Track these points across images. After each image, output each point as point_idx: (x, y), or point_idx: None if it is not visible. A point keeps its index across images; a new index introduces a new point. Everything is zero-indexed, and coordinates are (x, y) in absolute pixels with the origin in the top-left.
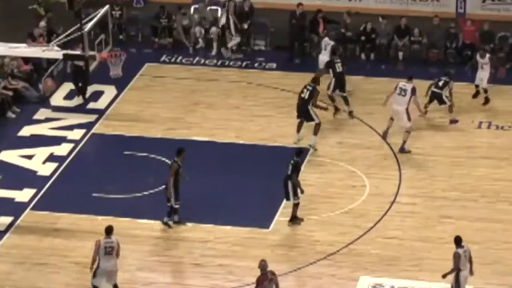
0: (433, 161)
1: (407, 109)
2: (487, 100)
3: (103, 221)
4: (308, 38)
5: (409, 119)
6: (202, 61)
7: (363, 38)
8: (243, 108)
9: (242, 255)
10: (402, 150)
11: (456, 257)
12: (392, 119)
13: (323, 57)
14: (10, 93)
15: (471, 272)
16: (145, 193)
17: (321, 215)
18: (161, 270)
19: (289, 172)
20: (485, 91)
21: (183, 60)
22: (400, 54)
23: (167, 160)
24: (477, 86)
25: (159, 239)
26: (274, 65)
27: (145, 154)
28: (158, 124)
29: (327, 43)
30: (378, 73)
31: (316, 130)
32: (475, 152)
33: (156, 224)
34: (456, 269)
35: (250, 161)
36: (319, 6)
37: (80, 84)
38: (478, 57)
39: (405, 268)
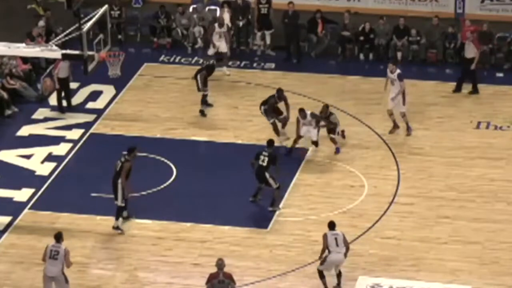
0: (431, 161)
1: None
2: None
3: (102, 221)
4: (306, 38)
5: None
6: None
7: (361, 38)
8: (242, 108)
9: (240, 255)
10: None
11: (324, 237)
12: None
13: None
14: (9, 92)
15: (345, 256)
16: (144, 193)
17: (319, 215)
18: (160, 270)
19: (265, 164)
20: (403, 115)
21: (182, 60)
22: (399, 54)
23: (166, 160)
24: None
25: (158, 239)
26: (273, 65)
27: (144, 154)
28: (157, 124)
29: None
30: (376, 73)
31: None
32: (473, 152)
33: (155, 224)
34: (324, 249)
35: (248, 161)
36: (318, 6)
37: (63, 94)
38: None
39: (403, 268)
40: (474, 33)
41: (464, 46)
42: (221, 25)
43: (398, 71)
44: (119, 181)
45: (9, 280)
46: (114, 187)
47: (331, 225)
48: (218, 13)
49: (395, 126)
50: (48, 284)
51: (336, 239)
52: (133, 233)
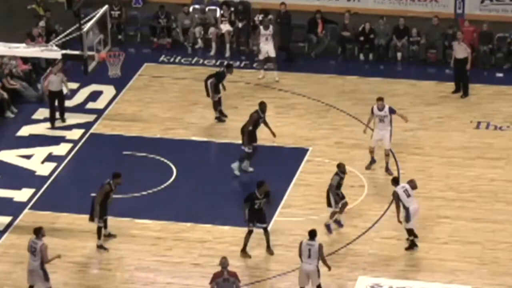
0: (431, 161)
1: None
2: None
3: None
4: (306, 38)
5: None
6: (201, 61)
7: (361, 38)
8: (241, 108)
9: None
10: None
11: (299, 245)
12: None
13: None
14: (9, 93)
15: (328, 268)
16: (144, 193)
17: (319, 215)
18: (160, 270)
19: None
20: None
21: (182, 60)
22: (399, 54)
23: (166, 160)
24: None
25: (158, 239)
26: (273, 65)
27: (144, 154)
28: (157, 124)
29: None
30: (376, 74)
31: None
32: (473, 152)
33: (155, 224)
34: (300, 256)
35: (248, 161)
36: (318, 6)
37: (57, 110)
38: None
39: (403, 268)
40: (464, 33)
41: (453, 46)
42: (266, 27)
43: (387, 105)
44: (95, 201)
45: (9, 280)
46: (92, 206)
47: (311, 234)
48: (218, 14)
49: (373, 161)
50: (30, 278)
51: (309, 249)
52: (133, 233)
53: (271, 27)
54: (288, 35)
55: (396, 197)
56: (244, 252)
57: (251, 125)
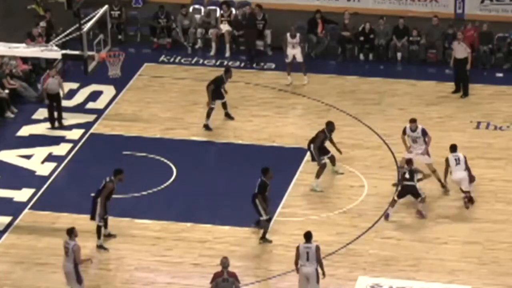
0: None
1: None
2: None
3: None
4: (306, 38)
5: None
6: (201, 61)
7: (361, 38)
8: (242, 108)
9: (240, 255)
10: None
11: (296, 249)
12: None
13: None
14: (8, 92)
15: (323, 273)
16: (144, 193)
17: (319, 215)
18: (160, 270)
19: (256, 190)
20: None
21: (182, 60)
22: (399, 54)
23: (166, 160)
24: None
25: (158, 239)
26: (273, 65)
27: (144, 154)
28: (157, 124)
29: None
30: (376, 74)
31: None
32: (473, 152)
33: (155, 224)
34: (296, 261)
35: (248, 161)
36: (318, 6)
37: (55, 112)
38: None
39: (403, 268)
40: (464, 33)
41: (453, 46)
42: (293, 36)
43: (420, 126)
44: (98, 199)
45: (9, 280)
46: (93, 205)
47: (306, 236)
48: (217, 14)
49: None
50: (67, 280)
51: (307, 252)
52: (133, 233)
53: (298, 35)
54: (253, 36)
55: (446, 163)
56: (265, 239)
57: (318, 144)
